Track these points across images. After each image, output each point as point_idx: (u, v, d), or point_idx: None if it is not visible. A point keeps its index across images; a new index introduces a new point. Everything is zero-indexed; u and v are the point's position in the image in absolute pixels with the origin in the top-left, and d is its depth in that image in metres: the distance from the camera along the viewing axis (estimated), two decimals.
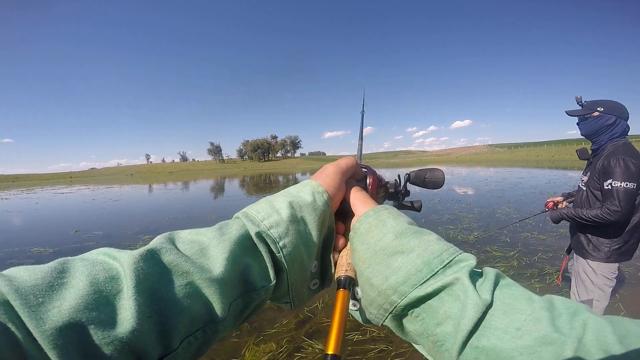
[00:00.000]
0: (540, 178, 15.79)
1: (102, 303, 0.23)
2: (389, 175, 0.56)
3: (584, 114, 1.96)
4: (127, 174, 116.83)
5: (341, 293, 0.33)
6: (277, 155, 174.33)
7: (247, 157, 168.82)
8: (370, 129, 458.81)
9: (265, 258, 0.33)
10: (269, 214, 0.34)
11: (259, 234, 0.33)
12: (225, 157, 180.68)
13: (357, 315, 0.38)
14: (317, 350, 2.43)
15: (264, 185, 21.90)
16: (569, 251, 2.29)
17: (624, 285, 3.18)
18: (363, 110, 0.79)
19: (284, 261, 0.33)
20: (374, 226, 0.36)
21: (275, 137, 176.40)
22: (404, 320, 0.32)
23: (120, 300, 0.24)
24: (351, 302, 0.37)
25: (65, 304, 0.21)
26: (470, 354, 0.27)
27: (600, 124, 1.90)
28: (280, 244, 0.33)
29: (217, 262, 0.29)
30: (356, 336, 2.54)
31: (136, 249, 0.27)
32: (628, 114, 1.89)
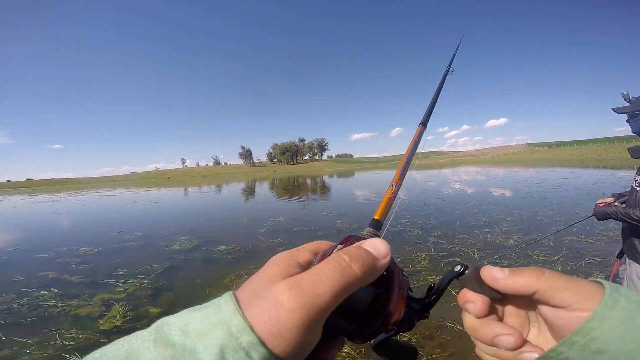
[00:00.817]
0: (586, 178, 14.79)
1: None
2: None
3: (633, 111, 1.82)
4: (165, 177, 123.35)
5: None
6: (305, 157, 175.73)
7: (276, 160, 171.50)
8: (400, 130, 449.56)
9: None
10: None
11: None
12: (255, 160, 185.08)
13: None
14: None
15: (293, 188, 22.23)
16: (620, 255, 2.14)
17: None
18: (450, 67, 0.71)
19: None
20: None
21: (302, 140, 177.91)
22: None
23: None
24: None
25: None
26: None
27: None
28: None
29: None
30: None
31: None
32: None
